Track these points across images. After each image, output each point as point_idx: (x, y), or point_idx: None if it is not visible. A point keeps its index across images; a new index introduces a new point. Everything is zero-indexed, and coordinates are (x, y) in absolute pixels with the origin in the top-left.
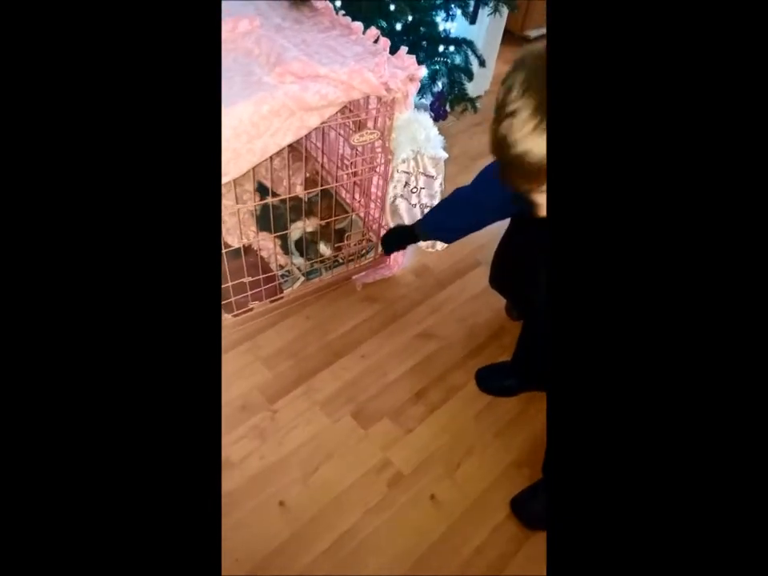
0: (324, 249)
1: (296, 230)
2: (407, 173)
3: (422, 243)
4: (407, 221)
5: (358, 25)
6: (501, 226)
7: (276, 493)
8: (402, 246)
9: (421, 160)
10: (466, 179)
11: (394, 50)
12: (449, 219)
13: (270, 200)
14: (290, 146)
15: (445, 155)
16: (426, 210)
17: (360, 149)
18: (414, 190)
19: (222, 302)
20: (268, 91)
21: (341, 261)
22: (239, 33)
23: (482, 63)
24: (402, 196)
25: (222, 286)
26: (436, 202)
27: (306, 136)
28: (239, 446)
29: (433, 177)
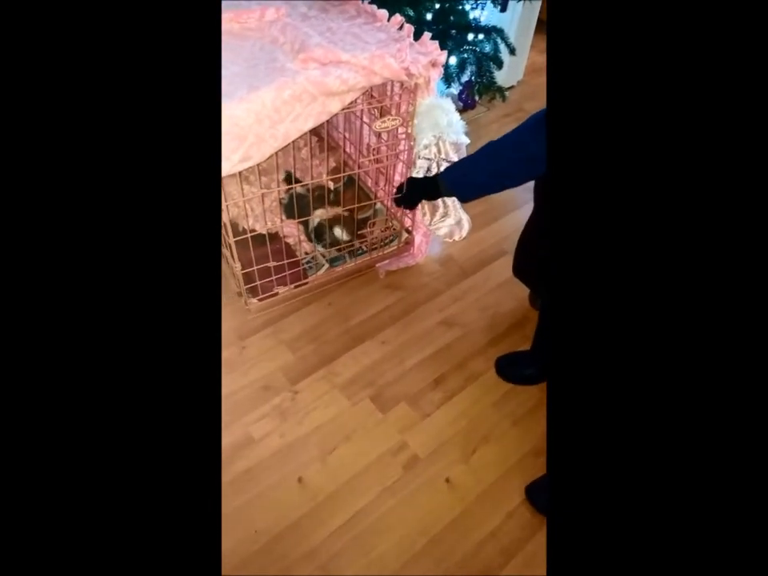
0: (339, 233)
1: (316, 217)
2: (429, 159)
3: (441, 233)
4: (427, 207)
5: (383, 12)
6: (524, 216)
7: (295, 470)
8: (417, 198)
9: (443, 146)
10: None
11: (419, 37)
12: (474, 170)
13: (294, 187)
14: (317, 135)
15: (467, 140)
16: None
17: (384, 136)
18: None
19: (247, 286)
20: (290, 77)
21: (365, 249)
22: (266, 21)
23: (512, 51)
24: None
25: (248, 270)
26: None
27: (333, 126)
28: (261, 424)
29: None
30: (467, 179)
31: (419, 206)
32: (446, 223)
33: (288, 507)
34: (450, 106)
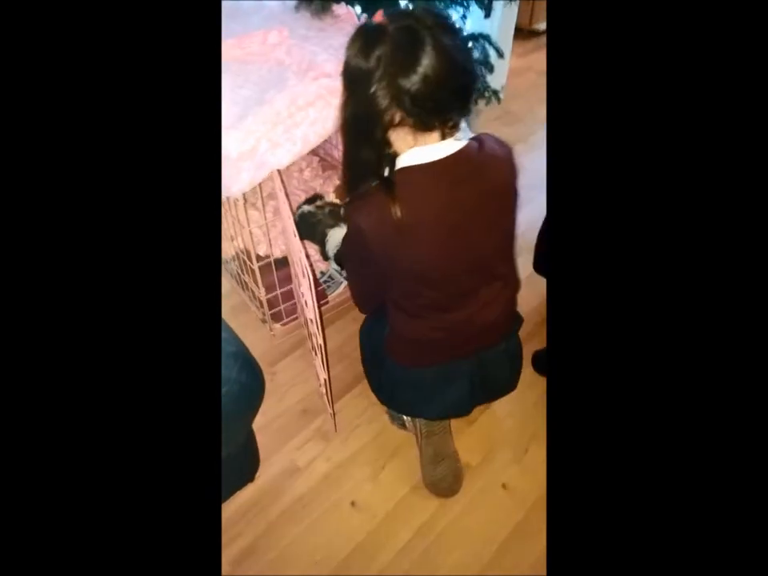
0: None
1: (333, 235)
2: None
3: None
4: None
5: None
6: (536, 211)
7: (347, 493)
8: None
9: None
10: None
11: None
12: None
13: (304, 207)
14: (319, 156)
15: None
16: None
17: None
18: None
19: (272, 311)
20: (302, 88)
21: None
22: (270, 45)
23: (501, 55)
24: None
25: (271, 295)
26: None
27: (333, 145)
28: (304, 450)
29: None
30: None
31: None
32: None
33: (346, 532)
34: None
